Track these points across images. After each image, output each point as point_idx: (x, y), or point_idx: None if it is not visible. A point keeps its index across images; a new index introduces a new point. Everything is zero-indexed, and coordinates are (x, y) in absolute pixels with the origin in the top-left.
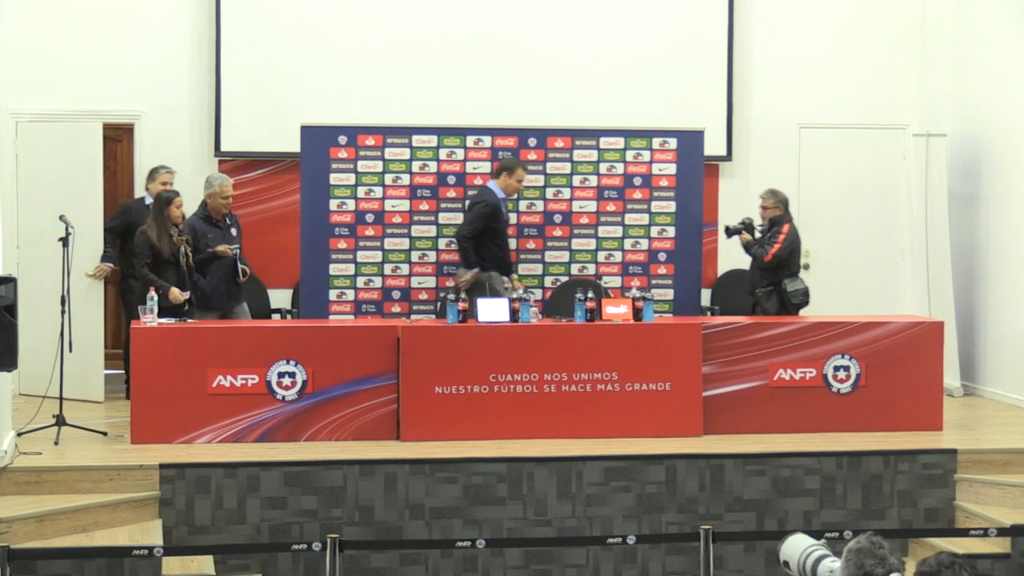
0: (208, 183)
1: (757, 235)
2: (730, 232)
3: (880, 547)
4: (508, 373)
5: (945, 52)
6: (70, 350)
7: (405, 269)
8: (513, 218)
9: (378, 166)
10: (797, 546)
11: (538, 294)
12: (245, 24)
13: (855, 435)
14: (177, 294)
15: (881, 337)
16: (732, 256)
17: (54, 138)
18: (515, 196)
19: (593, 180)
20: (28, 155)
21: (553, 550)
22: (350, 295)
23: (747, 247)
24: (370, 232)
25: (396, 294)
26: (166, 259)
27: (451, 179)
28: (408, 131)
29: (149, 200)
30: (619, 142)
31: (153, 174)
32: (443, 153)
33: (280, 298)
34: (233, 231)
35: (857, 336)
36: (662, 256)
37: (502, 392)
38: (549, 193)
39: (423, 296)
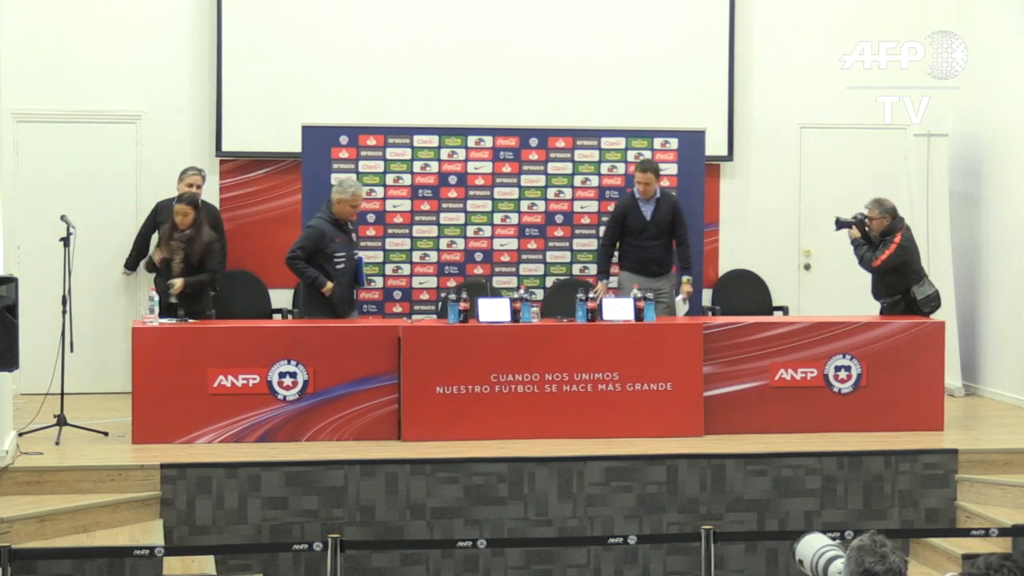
0: (341, 187)
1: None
2: (840, 224)
3: (882, 545)
4: (509, 373)
5: None
6: (71, 350)
7: (406, 269)
8: (514, 218)
9: (379, 166)
10: (812, 545)
11: (540, 294)
12: (246, 24)
13: (856, 435)
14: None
15: (882, 337)
16: (734, 256)
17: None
18: (652, 196)
19: (594, 180)
20: (28, 155)
21: (554, 550)
22: None
23: (855, 244)
24: (371, 232)
25: (397, 294)
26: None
27: (452, 179)
28: (409, 131)
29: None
30: (620, 142)
31: (182, 175)
32: (444, 153)
33: (281, 298)
34: (354, 236)
35: (858, 336)
36: None
37: (503, 392)
38: (550, 193)
39: (424, 296)
